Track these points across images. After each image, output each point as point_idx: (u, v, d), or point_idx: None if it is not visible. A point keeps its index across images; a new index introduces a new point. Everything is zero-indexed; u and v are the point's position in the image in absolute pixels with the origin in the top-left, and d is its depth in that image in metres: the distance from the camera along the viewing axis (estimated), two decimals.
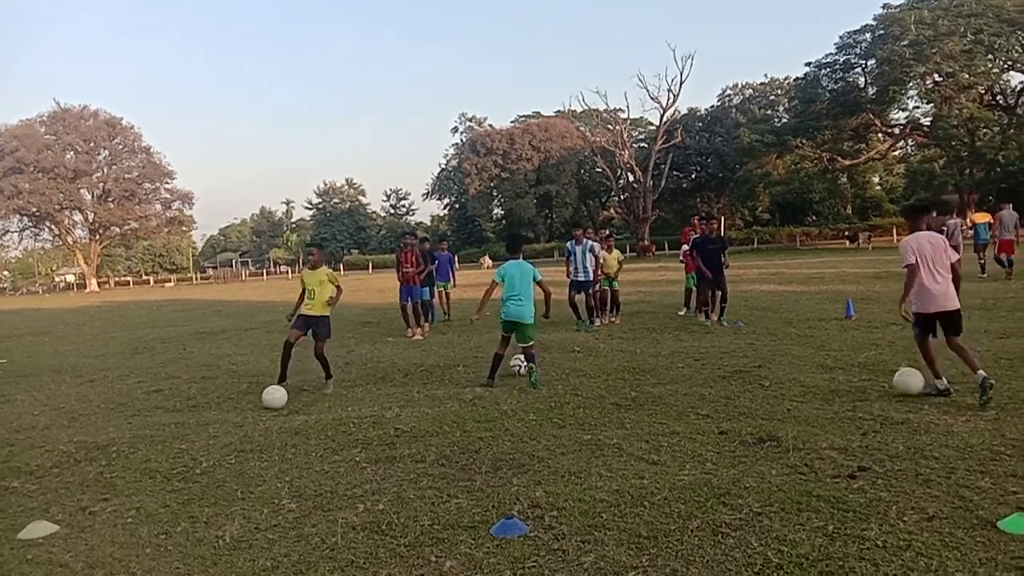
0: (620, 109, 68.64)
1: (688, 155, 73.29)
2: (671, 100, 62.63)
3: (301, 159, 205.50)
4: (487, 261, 62.10)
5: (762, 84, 76.80)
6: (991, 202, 47.84)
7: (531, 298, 8.41)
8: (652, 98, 72.92)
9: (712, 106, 78.25)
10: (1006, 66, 48.87)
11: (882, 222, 61.89)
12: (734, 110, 75.46)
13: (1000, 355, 8.18)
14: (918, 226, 6.91)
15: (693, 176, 78.44)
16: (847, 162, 56.97)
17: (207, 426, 7.20)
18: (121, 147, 74.25)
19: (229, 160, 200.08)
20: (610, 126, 67.34)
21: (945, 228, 21.44)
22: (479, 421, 6.66)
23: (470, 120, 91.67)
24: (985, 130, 49.89)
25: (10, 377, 11.57)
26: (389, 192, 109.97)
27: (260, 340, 14.67)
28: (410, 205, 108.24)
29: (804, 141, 54.27)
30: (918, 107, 54.11)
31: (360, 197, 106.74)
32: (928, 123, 52.43)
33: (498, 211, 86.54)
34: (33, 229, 74.89)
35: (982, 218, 19.61)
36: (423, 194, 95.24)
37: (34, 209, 67.90)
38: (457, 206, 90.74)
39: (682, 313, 14.18)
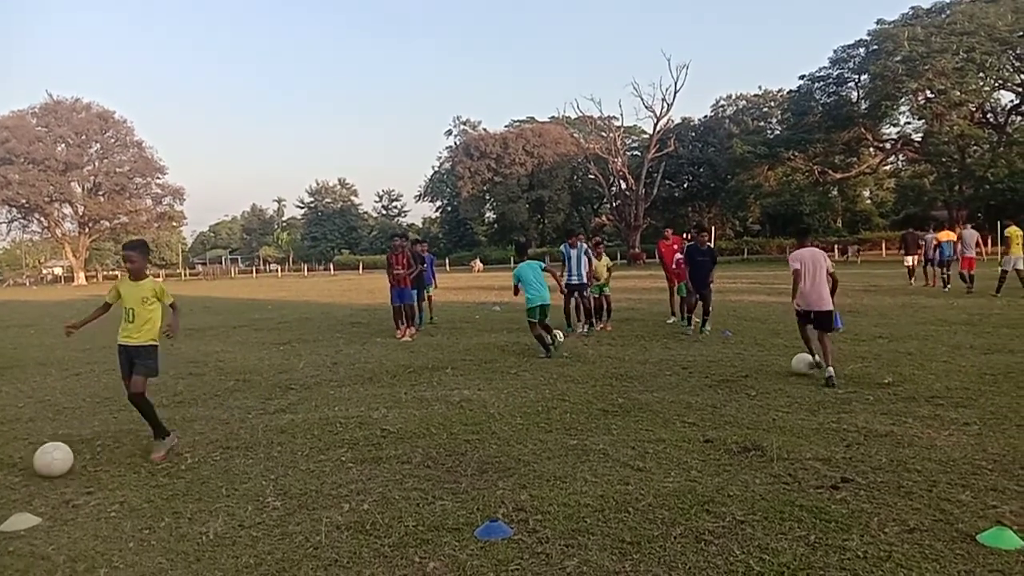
0: (614, 116, 68.84)
1: (680, 164, 73.55)
2: (665, 109, 63.10)
3: (293, 158, 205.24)
4: (478, 264, 62.11)
5: (756, 95, 77.13)
6: (979, 219, 48.28)
7: (546, 285, 10.99)
8: (646, 106, 73.13)
9: (706, 116, 78.58)
10: (997, 84, 49.30)
11: (872, 236, 62.22)
12: (727, 121, 75.83)
13: (984, 370, 8.25)
14: (804, 244, 8.69)
15: (685, 185, 78.68)
16: (838, 175, 57.23)
17: (193, 422, 7.18)
18: (113, 141, 74.06)
19: (221, 157, 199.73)
20: (604, 133, 67.63)
21: (923, 243, 22.27)
22: (466, 424, 6.67)
23: (464, 123, 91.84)
24: (975, 147, 50.28)
25: None
26: (381, 193, 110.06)
27: (248, 337, 14.62)
28: (402, 207, 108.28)
29: (796, 153, 54.51)
30: (909, 123, 54.62)
31: (352, 197, 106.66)
32: (919, 139, 52.84)
33: (490, 215, 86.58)
34: (22, 221, 74.59)
35: (946, 237, 20.93)
36: (415, 196, 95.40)
37: (23, 200, 67.56)
38: (449, 209, 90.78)
39: (670, 321, 14.23)
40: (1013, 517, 4.07)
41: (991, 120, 52.41)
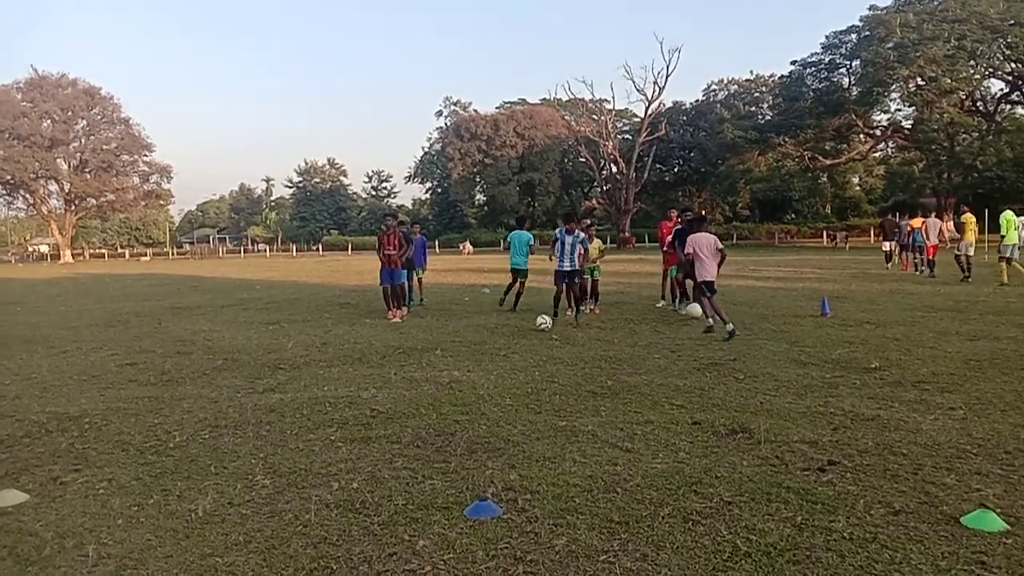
0: (606, 99, 69.07)
1: (671, 148, 73.57)
2: (656, 92, 63.03)
3: (282, 137, 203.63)
4: (468, 247, 62.01)
5: (747, 80, 77.10)
6: (964, 208, 48.40)
7: (526, 255, 13.69)
8: (638, 89, 73.47)
9: (697, 100, 78.57)
10: (987, 72, 49.39)
11: (860, 222, 62.52)
12: (719, 105, 75.70)
13: (969, 356, 8.32)
14: (698, 230, 11.16)
15: (676, 169, 78.71)
16: (828, 161, 57.37)
17: (181, 401, 7.16)
18: (99, 117, 73.06)
19: (209, 135, 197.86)
20: (595, 116, 67.48)
21: (898, 229, 23.40)
22: (455, 404, 6.68)
23: (455, 104, 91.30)
24: (964, 135, 50.42)
25: None
26: (371, 174, 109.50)
27: (236, 316, 14.55)
28: (392, 188, 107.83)
29: (787, 139, 54.60)
30: (900, 110, 54.75)
31: (341, 177, 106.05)
32: (909, 126, 52.93)
33: (480, 197, 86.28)
34: (7, 197, 73.71)
35: (917, 223, 21.90)
36: (405, 177, 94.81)
37: (8, 177, 66.73)
38: (439, 190, 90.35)
39: (659, 305, 14.26)
40: (996, 500, 4.12)
41: (981, 108, 52.57)
